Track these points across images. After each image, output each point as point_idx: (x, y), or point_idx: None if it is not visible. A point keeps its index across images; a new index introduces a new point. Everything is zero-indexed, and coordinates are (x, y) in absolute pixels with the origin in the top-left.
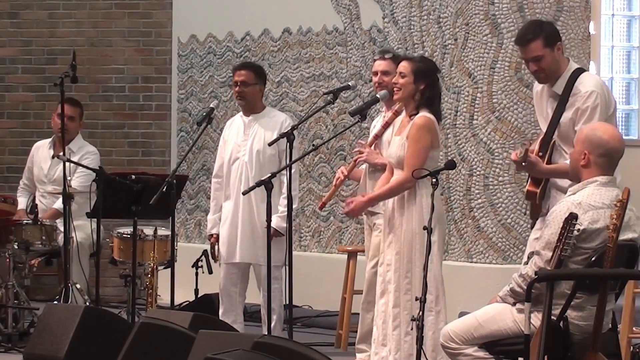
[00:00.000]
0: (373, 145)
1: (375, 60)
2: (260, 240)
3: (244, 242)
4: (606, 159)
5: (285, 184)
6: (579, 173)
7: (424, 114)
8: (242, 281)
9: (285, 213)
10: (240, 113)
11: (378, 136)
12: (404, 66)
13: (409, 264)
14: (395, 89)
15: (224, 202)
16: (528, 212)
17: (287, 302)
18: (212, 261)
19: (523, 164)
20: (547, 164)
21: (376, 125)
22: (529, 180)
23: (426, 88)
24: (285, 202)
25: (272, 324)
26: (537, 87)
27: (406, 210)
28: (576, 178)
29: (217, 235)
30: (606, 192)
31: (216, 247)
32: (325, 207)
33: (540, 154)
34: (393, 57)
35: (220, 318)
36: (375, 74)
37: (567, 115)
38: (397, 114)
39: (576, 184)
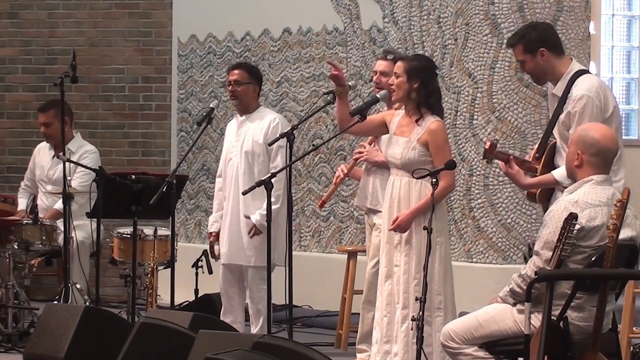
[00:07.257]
0: (373, 144)
1: (377, 59)
2: (245, 240)
3: (231, 244)
4: (599, 158)
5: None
6: (574, 174)
7: (437, 119)
8: (239, 281)
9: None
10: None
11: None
12: (398, 66)
13: (419, 266)
14: (391, 89)
15: (224, 202)
16: (528, 212)
17: (287, 302)
18: (212, 260)
19: (486, 160)
20: (544, 166)
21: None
22: None
23: (420, 86)
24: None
25: (259, 325)
26: (550, 89)
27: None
28: (572, 179)
29: (216, 233)
30: (602, 190)
31: (215, 245)
32: (325, 205)
33: (537, 155)
34: (394, 59)
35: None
36: (375, 72)
37: (561, 119)
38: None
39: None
